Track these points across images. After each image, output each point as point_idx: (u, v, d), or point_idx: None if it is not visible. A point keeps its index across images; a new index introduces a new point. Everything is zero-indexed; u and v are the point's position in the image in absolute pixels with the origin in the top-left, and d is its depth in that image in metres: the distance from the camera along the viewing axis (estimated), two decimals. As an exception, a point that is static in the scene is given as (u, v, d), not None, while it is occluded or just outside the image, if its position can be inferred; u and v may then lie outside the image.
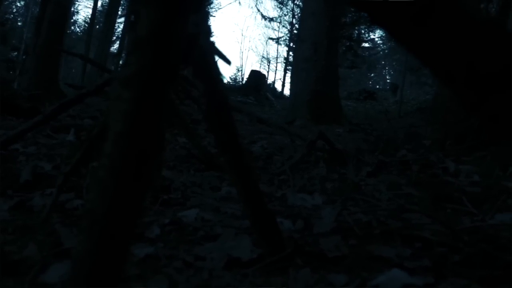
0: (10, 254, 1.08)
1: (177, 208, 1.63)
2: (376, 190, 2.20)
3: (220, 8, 37.31)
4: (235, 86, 19.22)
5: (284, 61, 25.69)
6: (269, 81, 23.63)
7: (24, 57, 17.55)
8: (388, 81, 30.07)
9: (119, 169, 0.46)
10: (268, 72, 28.31)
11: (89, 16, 19.24)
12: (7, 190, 1.78)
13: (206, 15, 0.98)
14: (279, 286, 0.91)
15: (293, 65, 9.46)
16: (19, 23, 25.13)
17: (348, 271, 1.07)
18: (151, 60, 0.48)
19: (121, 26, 19.87)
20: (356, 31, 19.13)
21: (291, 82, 8.56)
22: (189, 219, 1.43)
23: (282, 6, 24.11)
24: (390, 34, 0.37)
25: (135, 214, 0.47)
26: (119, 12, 17.82)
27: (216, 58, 1.11)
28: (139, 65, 0.48)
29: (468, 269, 1.11)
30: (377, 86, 28.30)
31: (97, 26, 20.49)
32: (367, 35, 21.26)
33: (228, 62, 1.24)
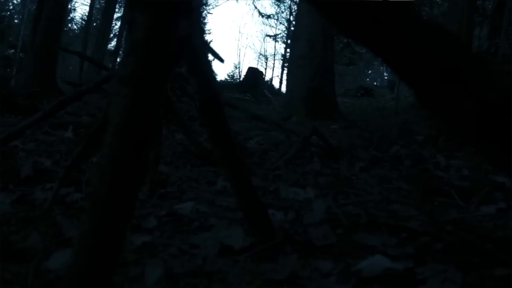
0: (14, 243, 1.14)
1: (173, 201, 1.69)
2: (367, 184, 2.26)
3: (217, 6, 37.28)
4: (232, 83, 19.25)
5: (282, 58, 25.75)
6: (267, 78, 23.70)
7: (21, 54, 17.55)
8: (385, 78, 30.14)
9: (118, 157, 0.52)
10: (265, 69, 28.35)
11: (86, 14, 19.22)
12: (8, 184, 1.84)
13: (199, 16, 1.03)
14: (268, 271, 0.98)
15: (289, 62, 9.51)
16: (16, 21, 25.08)
17: (335, 258, 1.13)
18: (147, 60, 0.54)
19: (118, 23, 19.87)
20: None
21: (287, 79, 8.62)
22: (185, 211, 1.49)
23: (279, 3, 24.15)
24: (349, 36, 0.43)
25: (133, 196, 0.53)
26: (116, 10, 17.82)
27: (211, 56, 1.17)
28: (136, 65, 0.54)
29: (449, 256, 1.17)
30: (375, 83, 28.36)
31: (94, 24, 20.49)
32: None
33: (221, 60, 1.30)
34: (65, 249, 1.10)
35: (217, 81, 1.11)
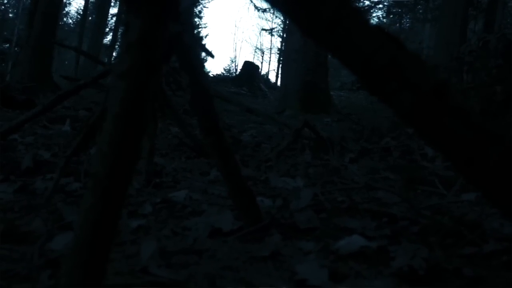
0: (19, 227, 1.22)
1: (168, 190, 1.78)
2: (355, 174, 2.35)
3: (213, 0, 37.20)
4: (228, 77, 19.26)
5: (278, 52, 25.80)
6: (263, 72, 23.73)
7: (16, 49, 17.50)
8: (381, 71, 30.09)
9: (116, 141, 0.60)
10: (262, 63, 28.41)
11: (82, 8, 19.17)
12: (9, 175, 1.92)
13: (190, 15, 1.12)
14: (254, 250, 1.06)
15: (284, 57, 9.59)
16: (11, 15, 24.96)
17: (317, 239, 1.22)
18: (140, 58, 0.62)
19: (114, 18, 19.81)
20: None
21: (281, 73, 8.70)
22: (179, 199, 1.57)
23: (275, -3, 24.08)
24: (306, 37, 0.52)
25: (129, 175, 0.61)
26: (112, 4, 17.78)
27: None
28: (131, 62, 0.62)
29: (423, 237, 1.26)
30: (370, 77, 28.35)
31: (90, 18, 20.43)
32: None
33: (212, 56, 1.38)
34: (66, 232, 1.19)
35: (207, 75, 1.19)
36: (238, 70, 19.05)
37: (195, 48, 1.15)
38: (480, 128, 0.51)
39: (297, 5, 0.51)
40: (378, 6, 19.68)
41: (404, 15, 21.30)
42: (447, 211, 1.58)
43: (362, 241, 1.12)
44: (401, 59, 0.51)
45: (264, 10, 24.97)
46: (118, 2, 18.19)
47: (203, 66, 1.14)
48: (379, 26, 0.51)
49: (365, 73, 0.53)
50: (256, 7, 24.63)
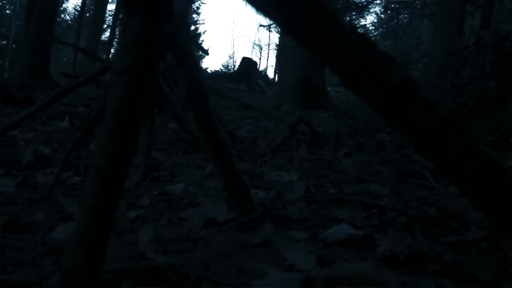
0: (22, 218, 1.27)
1: (165, 183, 1.83)
2: (348, 168, 2.41)
3: (211, -5, 37.11)
4: (227, 74, 19.27)
5: (276, 48, 25.76)
6: (261, 68, 23.74)
7: (14, 46, 17.49)
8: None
9: (115, 134, 0.66)
10: (260, 59, 28.37)
11: (79, 4, 19.12)
12: (11, 170, 1.97)
13: (185, 15, 1.17)
14: (247, 238, 1.12)
15: (281, 53, 9.63)
16: (8, 11, 24.90)
17: (307, 229, 1.28)
18: (137, 57, 0.68)
19: (112, 14, 19.77)
20: (347, 18, 19.21)
21: (279, 69, 8.74)
22: (176, 191, 1.63)
23: (272, -8, 24.02)
24: (290, 37, 0.57)
25: (126, 165, 0.67)
26: (110, 0, 17.76)
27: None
28: (129, 61, 0.68)
29: (409, 226, 1.32)
30: (368, 72, 28.32)
31: (87, 14, 20.41)
32: (357, 21, 21.33)
33: (207, 53, 1.44)
34: (68, 223, 1.24)
35: (202, 72, 1.25)
36: (236, 67, 19.03)
37: (189, 46, 1.20)
38: (444, 120, 0.56)
39: (277, 7, 0.56)
40: (375, 2, 19.68)
41: (401, 11, 21.31)
42: (434, 202, 1.63)
43: (350, 229, 1.17)
44: (373, 58, 0.57)
45: (262, 6, 24.89)
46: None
47: (198, 63, 1.19)
48: (353, 26, 0.57)
49: (341, 71, 0.58)
50: (254, 3, 24.55)
